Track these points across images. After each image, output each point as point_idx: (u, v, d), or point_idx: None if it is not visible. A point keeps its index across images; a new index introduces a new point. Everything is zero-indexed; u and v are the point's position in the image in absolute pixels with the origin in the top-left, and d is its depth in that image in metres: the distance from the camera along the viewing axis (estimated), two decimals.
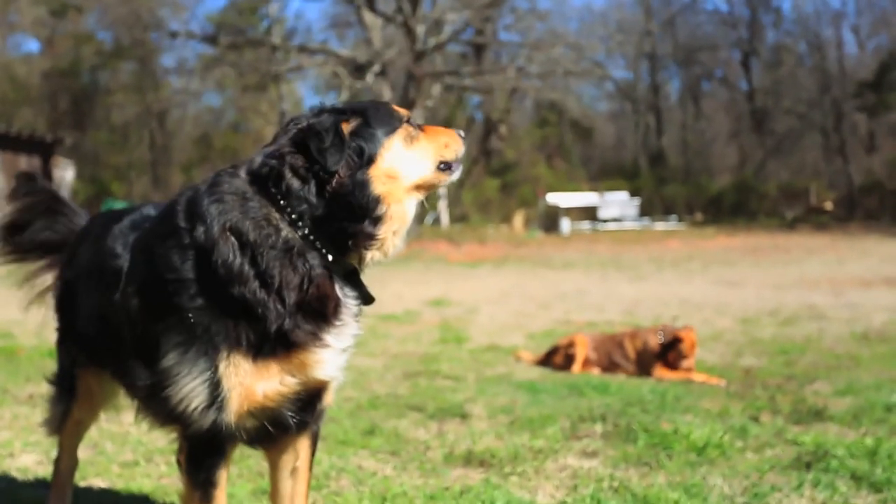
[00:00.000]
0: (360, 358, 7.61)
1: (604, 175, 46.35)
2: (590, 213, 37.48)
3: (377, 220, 2.43)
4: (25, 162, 29.48)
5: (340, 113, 2.49)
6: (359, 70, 32.29)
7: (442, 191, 29.51)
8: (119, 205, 33.57)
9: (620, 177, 44.71)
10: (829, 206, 38.94)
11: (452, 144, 2.65)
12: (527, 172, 44.36)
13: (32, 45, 45.27)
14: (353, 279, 2.53)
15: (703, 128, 50.49)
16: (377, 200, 2.42)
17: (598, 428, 4.86)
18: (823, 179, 43.61)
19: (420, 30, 31.50)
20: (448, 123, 44.01)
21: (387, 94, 32.28)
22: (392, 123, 2.53)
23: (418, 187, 2.55)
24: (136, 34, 37.08)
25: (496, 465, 4.12)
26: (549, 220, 36.02)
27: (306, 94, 51.13)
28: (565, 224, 34.72)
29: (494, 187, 43.04)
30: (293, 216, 2.41)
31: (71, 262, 3.05)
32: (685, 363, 6.75)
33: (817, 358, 7.54)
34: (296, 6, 66.10)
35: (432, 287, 15.06)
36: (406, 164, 2.52)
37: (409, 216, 2.53)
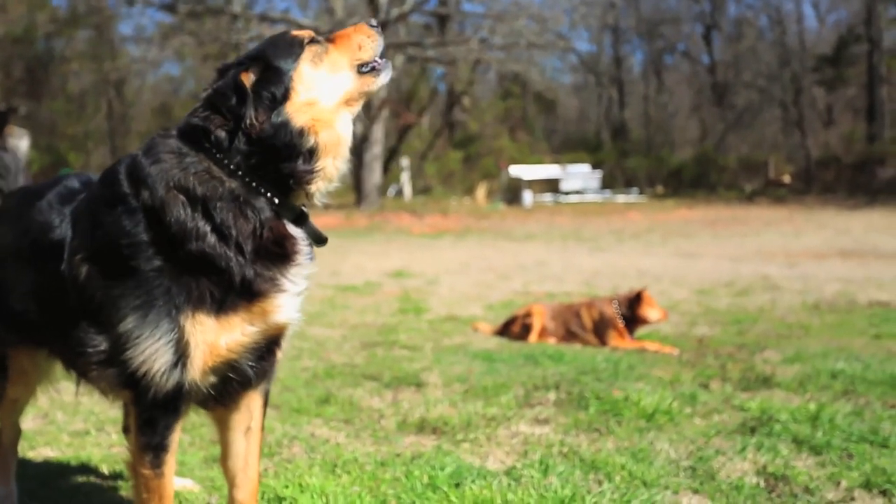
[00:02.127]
0: (319, 328, 7.63)
1: (566, 147, 46.55)
2: (552, 186, 37.58)
3: (310, 153, 2.43)
4: None
5: (240, 65, 2.48)
6: None
7: (405, 162, 29.12)
8: None
9: (583, 149, 44.93)
10: (787, 179, 39.47)
11: (366, 42, 2.56)
12: (490, 144, 44.39)
13: None
14: (302, 221, 2.54)
15: (665, 101, 50.83)
16: (301, 134, 2.41)
17: (552, 396, 4.92)
18: (782, 153, 44.18)
19: (383, 0, 31.21)
20: (411, 95, 43.88)
21: None
22: (293, 51, 2.48)
23: (347, 102, 2.51)
24: (92, 1, 36.27)
25: (448, 433, 4.17)
26: (512, 193, 36.09)
27: None
28: (527, 196, 34.82)
29: (457, 159, 43.03)
30: (231, 167, 2.41)
31: None
32: (653, 313, 6.94)
33: (769, 327, 7.69)
34: None
35: (393, 258, 15.07)
36: (321, 85, 2.47)
37: (344, 136, 2.50)
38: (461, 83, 43.77)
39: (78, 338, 2.51)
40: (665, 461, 3.69)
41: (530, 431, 4.21)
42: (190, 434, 4.02)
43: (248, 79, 2.44)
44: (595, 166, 40.52)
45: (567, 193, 37.13)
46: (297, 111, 2.42)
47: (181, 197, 2.38)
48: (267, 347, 2.57)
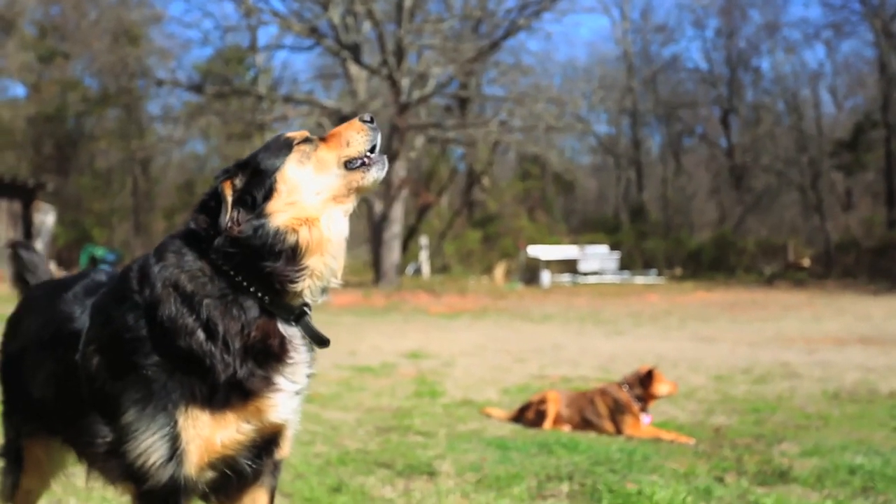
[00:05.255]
0: (334, 412, 7.62)
1: (585, 228, 46.72)
2: (570, 266, 37.61)
3: (293, 252, 2.45)
4: (6, 206, 29.44)
5: (226, 172, 2.59)
6: (343, 121, 32.54)
7: (423, 241, 29.29)
8: (99, 251, 33.22)
9: (601, 230, 45.06)
10: (806, 262, 39.30)
11: (355, 138, 2.58)
12: (509, 224, 44.63)
13: (19, 90, 45.46)
14: (302, 321, 2.56)
15: (684, 183, 51.09)
16: (276, 233, 2.43)
17: (565, 487, 4.88)
18: (801, 236, 44.09)
19: (405, 83, 31.91)
20: (431, 175, 44.44)
21: None
22: (281, 153, 2.56)
23: (335, 199, 2.53)
24: (122, 81, 37.31)
25: None
26: (530, 273, 36.15)
27: None
28: (545, 277, 34.85)
29: (476, 239, 43.25)
30: (221, 266, 2.48)
31: (15, 335, 3.09)
32: (664, 388, 7.00)
33: (787, 417, 7.59)
34: (283, 57, 67.11)
35: (410, 339, 15.06)
36: (305, 184, 2.51)
37: (330, 234, 2.50)
38: (481, 164, 44.33)
39: (87, 427, 2.59)
40: None
41: None
42: None
43: (233, 185, 2.53)
44: (613, 247, 40.58)
45: (585, 274, 37.13)
46: (278, 211, 2.47)
47: (174, 294, 2.46)
48: (265, 446, 2.60)
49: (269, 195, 2.48)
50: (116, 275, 2.80)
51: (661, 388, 7.01)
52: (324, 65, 42.30)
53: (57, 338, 2.77)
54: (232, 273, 2.46)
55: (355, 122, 2.62)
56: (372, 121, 2.63)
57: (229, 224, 2.46)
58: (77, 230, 39.79)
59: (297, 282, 2.46)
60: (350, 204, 2.57)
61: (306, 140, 2.59)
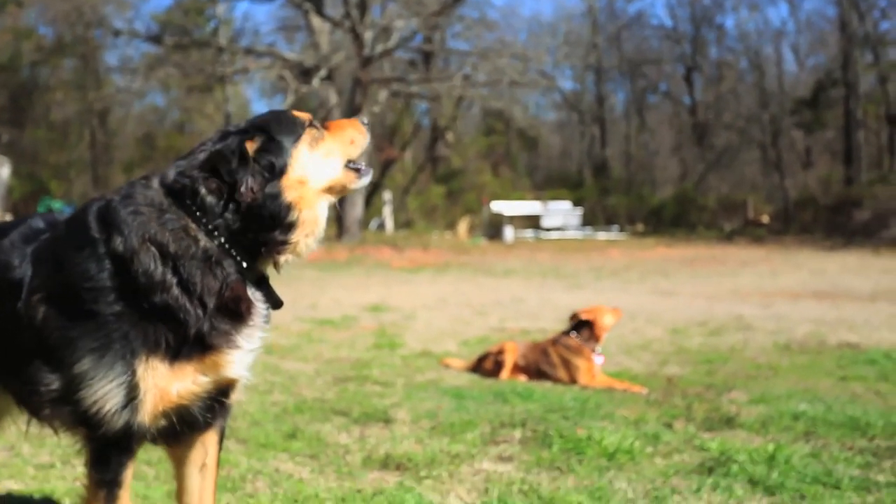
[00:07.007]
0: (292, 362, 7.66)
1: (548, 184, 46.84)
2: (533, 222, 37.81)
3: (290, 227, 2.57)
4: None
5: (244, 133, 2.61)
6: (305, 74, 32.18)
7: (387, 196, 29.18)
8: (56, 204, 32.67)
9: (564, 186, 45.21)
10: (765, 219, 39.87)
11: (358, 139, 2.78)
12: (472, 180, 44.63)
13: None
14: (263, 285, 2.67)
15: (647, 140, 51.35)
16: (288, 208, 2.56)
17: (517, 433, 4.98)
18: (761, 193, 44.65)
19: (368, 36, 31.52)
20: (395, 129, 44.16)
21: (333, 98, 32.23)
22: (296, 131, 2.65)
23: (330, 189, 2.69)
24: (78, 31, 36.42)
25: (412, 469, 4.22)
26: (493, 228, 36.29)
27: (252, 96, 50.80)
28: (509, 232, 35.01)
29: (440, 194, 43.21)
30: (210, 228, 2.53)
31: None
32: (609, 319, 7.17)
33: (738, 367, 7.77)
34: (244, 8, 65.85)
35: (372, 292, 15.11)
36: (315, 168, 2.66)
37: (321, 219, 2.66)
38: (445, 119, 44.12)
39: (31, 376, 2.60)
40: (622, 500, 3.76)
41: (493, 469, 4.26)
42: (155, 468, 4.05)
43: (251, 147, 2.58)
44: (576, 203, 40.81)
45: (548, 230, 37.34)
46: (289, 187, 2.57)
47: (153, 250, 2.48)
48: (217, 398, 2.68)
49: (283, 169, 2.58)
50: (61, 221, 2.77)
51: (605, 319, 7.11)
52: (286, 17, 41.57)
53: None
54: (217, 234, 2.53)
55: (357, 122, 2.83)
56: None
57: (245, 187, 2.51)
58: (33, 183, 39.03)
59: (283, 253, 2.61)
60: (335, 198, 2.74)
61: (312, 124, 2.72)
